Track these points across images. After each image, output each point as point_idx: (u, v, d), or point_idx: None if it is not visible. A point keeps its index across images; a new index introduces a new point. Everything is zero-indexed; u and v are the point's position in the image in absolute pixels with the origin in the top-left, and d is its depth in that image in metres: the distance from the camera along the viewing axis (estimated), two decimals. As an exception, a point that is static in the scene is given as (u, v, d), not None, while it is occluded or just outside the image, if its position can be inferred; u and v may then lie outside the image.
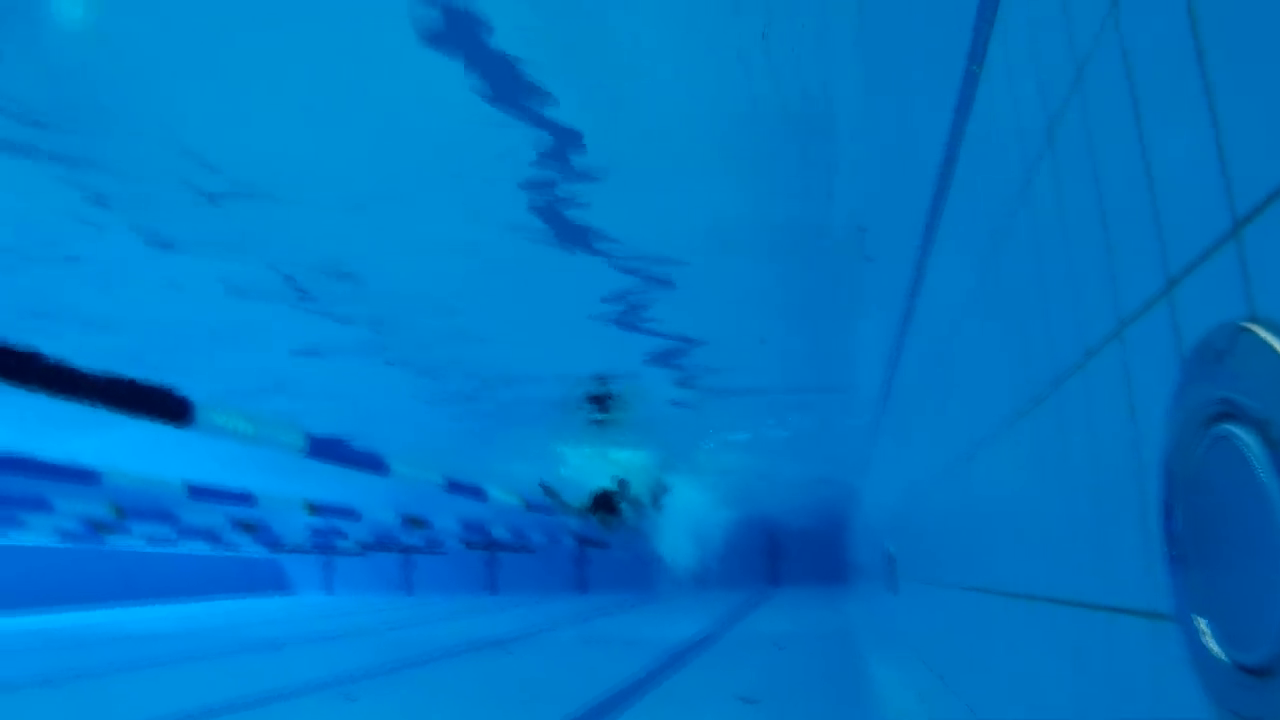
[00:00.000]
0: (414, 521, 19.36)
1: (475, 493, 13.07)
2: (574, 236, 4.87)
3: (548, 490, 10.60)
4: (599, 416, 9.67)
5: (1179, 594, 1.35)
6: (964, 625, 4.23)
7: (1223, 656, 1.19)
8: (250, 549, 26.25)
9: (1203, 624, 1.25)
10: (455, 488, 11.98)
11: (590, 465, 11.96)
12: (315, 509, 16.38)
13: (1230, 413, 1.15)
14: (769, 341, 6.89)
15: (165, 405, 4.77)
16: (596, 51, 3.43)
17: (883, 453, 8.99)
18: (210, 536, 21.84)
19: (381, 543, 25.10)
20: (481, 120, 3.91)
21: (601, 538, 11.89)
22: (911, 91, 3.42)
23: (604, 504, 9.92)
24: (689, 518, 13.25)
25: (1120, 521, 1.68)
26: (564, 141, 3.96)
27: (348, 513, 17.43)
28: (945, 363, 4.09)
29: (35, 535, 19.71)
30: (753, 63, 3.36)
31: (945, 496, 4.44)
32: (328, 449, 5.89)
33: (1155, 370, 1.44)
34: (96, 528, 18.73)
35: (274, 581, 31.83)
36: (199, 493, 13.67)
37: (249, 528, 20.69)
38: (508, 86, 3.56)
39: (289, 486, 14.34)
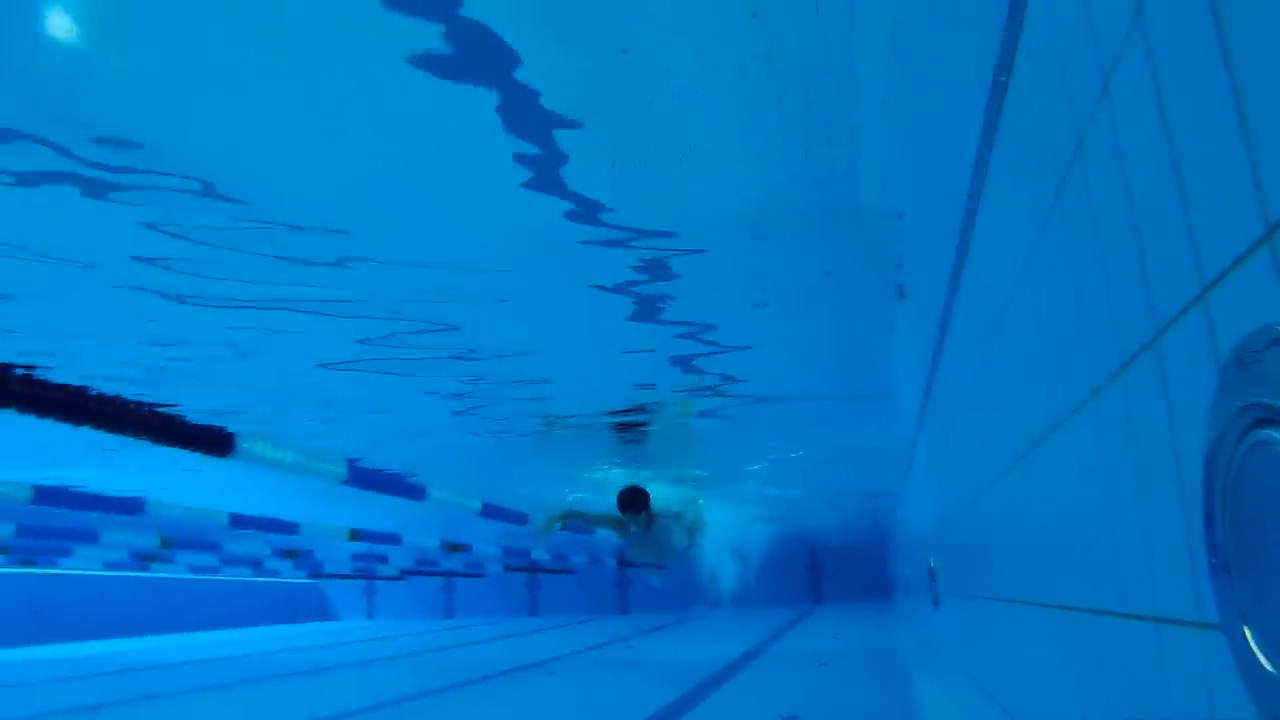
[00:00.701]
0: (454, 546, 19.43)
1: (513, 517, 13.09)
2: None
3: (570, 515, 10.37)
4: (629, 436, 9.60)
5: (1223, 603, 1.33)
6: (1008, 639, 4.19)
7: (1269, 667, 1.18)
8: (292, 575, 26.43)
9: (1250, 634, 1.24)
10: (492, 512, 12.01)
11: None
12: (357, 535, 16.48)
13: (1269, 417, 1.14)
14: (800, 344, 6.81)
15: (208, 438, 4.85)
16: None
17: (922, 465, 8.92)
18: (253, 564, 22.03)
19: (422, 567, 25.18)
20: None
21: (650, 556, 11.14)
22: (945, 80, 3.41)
23: (632, 501, 9.54)
24: (727, 536, 13.17)
25: (1164, 531, 1.67)
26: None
27: (388, 538, 17.51)
28: (982, 376, 4.07)
29: (83, 565, 19.98)
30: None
31: (986, 509, 4.41)
32: (367, 478, 5.95)
33: (1193, 377, 1.43)
34: (142, 557, 18.96)
35: (316, 607, 32.01)
36: (242, 522, 13.81)
37: (291, 555, 20.84)
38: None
39: (331, 514, 14.46)
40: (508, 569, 26.19)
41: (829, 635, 15.74)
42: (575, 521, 10.57)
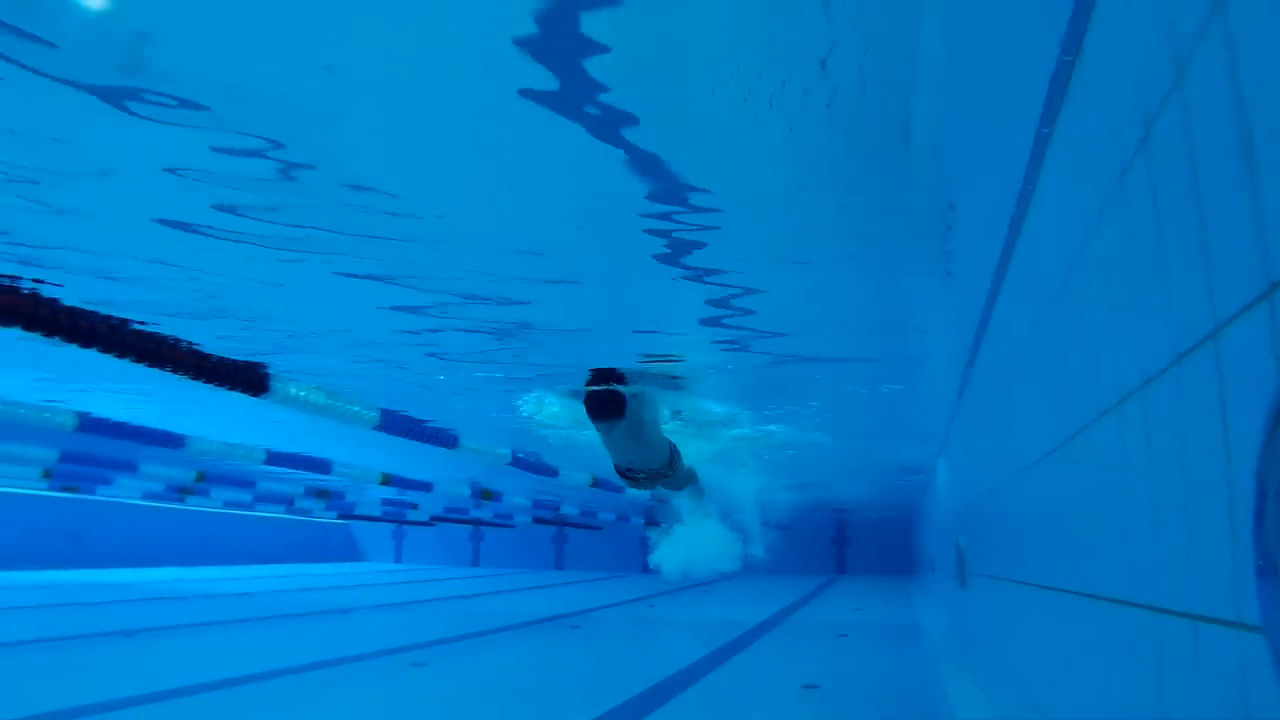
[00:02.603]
0: (485, 494, 19.58)
1: (545, 471, 13.17)
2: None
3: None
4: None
5: (1268, 606, 1.31)
6: (1035, 624, 4.18)
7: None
8: (323, 516, 26.78)
9: (1292, 638, 1.22)
10: (522, 464, 12.09)
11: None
12: (389, 480, 16.65)
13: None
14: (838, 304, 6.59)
15: (243, 377, 4.91)
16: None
17: (957, 443, 8.86)
18: (285, 502, 22.33)
19: (451, 514, 25.43)
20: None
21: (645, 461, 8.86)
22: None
23: (603, 401, 7.67)
24: (752, 501, 13.14)
25: (1208, 529, 1.65)
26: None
27: (420, 484, 17.68)
28: (1027, 358, 4.03)
29: (122, 494, 20.35)
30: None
31: (1021, 491, 4.37)
32: (398, 424, 6.01)
33: (1250, 376, 1.40)
34: (179, 490, 19.27)
35: (345, 548, 32.47)
36: (277, 459, 13.97)
37: (323, 495, 21.11)
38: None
39: (364, 457, 14.59)
40: (536, 521, 26.39)
41: (851, 608, 15.77)
42: None
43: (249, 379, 4.85)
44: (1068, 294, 2.93)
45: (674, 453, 9.05)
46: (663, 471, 8.99)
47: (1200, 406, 1.66)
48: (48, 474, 16.17)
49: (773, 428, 10.62)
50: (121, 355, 4.50)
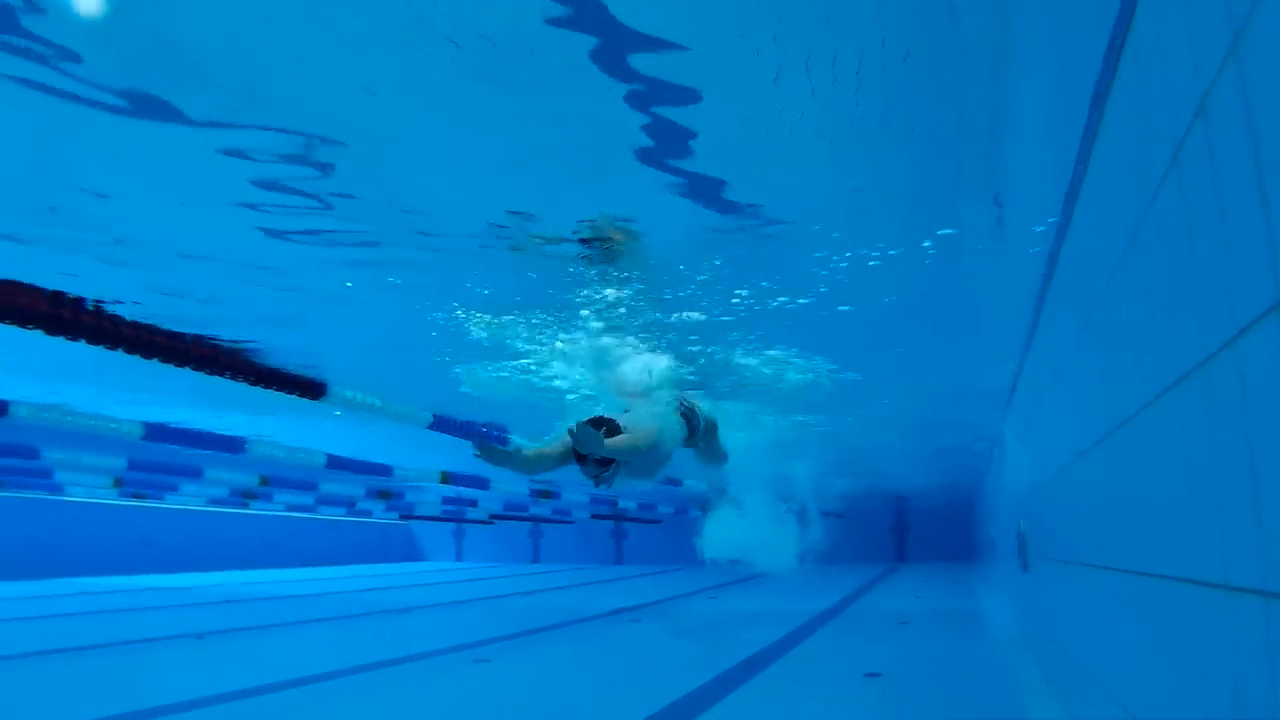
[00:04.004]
0: (543, 493, 19.69)
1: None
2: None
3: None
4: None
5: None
6: (1099, 606, 4.11)
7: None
8: (384, 517, 27.07)
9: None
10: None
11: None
12: (448, 478, 16.79)
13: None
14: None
15: (301, 382, 4.98)
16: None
17: (1017, 423, 8.72)
18: (346, 504, 22.61)
19: (510, 512, 25.58)
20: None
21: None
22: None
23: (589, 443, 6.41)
24: (807, 489, 13.06)
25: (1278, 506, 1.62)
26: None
27: (479, 482, 17.82)
28: (1087, 335, 3.95)
29: (188, 500, 20.76)
30: None
31: (1084, 472, 4.30)
32: (450, 424, 6.07)
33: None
34: (243, 495, 19.60)
35: (406, 548, 32.82)
36: (338, 463, 14.16)
37: (384, 496, 21.33)
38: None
39: (424, 458, 14.75)
40: (594, 517, 26.47)
41: (912, 595, 15.65)
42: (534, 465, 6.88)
43: (307, 385, 4.93)
44: (1129, 262, 2.86)
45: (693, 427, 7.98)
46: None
47: (1265, 381, 1.63)
48: (118, 482, 16.55)
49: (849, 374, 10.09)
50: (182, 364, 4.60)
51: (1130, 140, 2.73)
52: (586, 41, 3.61)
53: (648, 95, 4.05)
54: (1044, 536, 6.77)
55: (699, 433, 7.98)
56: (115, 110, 4.16)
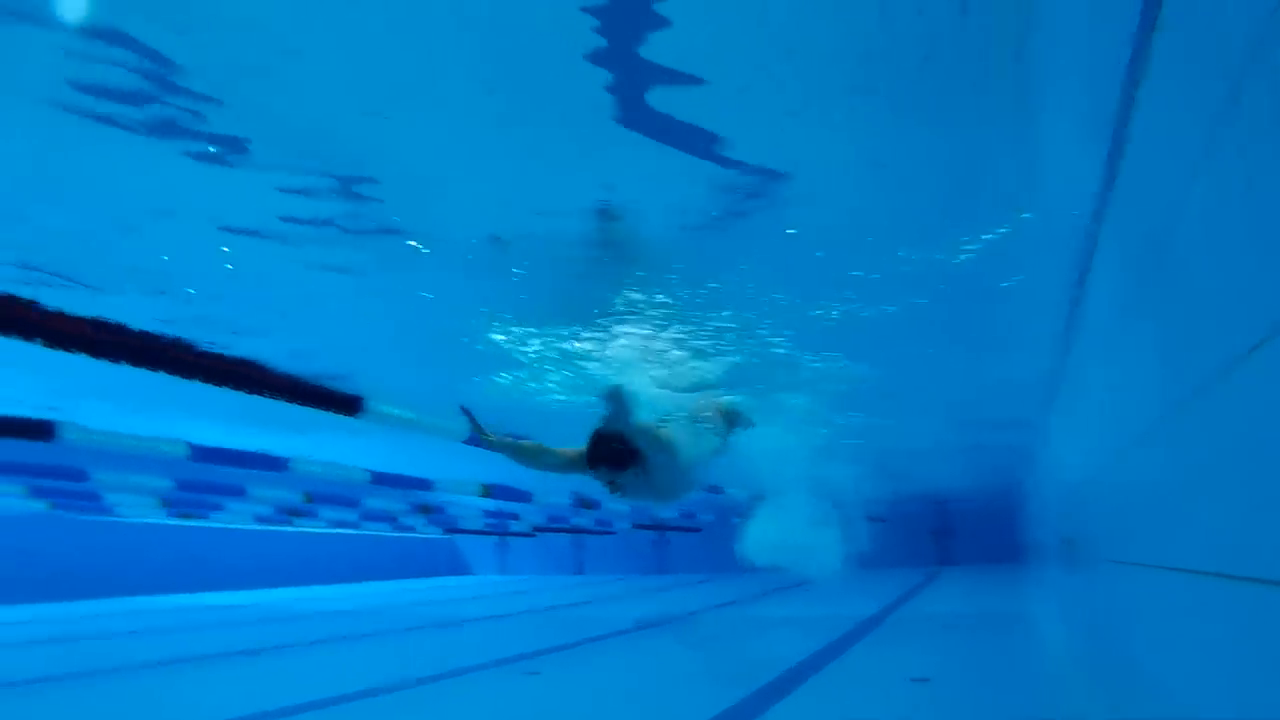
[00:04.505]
0: (585, 503, 19.74)
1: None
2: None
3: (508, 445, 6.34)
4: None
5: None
6: (1155, 606, 4.02)
7: None
8: (427, 531, 27.25)
9: None
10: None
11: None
12: (489, 491, 16.88)
13: None
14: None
15: (338, 398, 5.04)
16: None
17: (1061, 415, 8.54)
18: (390, 520, 22.79)
19: (553, 524, 25.67)
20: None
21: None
22: None
23: (609, 458, 5.93)
24: (846, 493, 12.95)
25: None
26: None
27: (521, 495, 17.89)
28: (1134, 312, 3.78)
29: (234, 519, 21.03)
30: None
31: (1135, 465, 4.16)
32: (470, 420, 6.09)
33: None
34: (287, 512, 19.82)
35: (450, 562, 32.98)
36: (382, 480, 14.28)
37: (427, 510, 21.48)
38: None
39: (464, 470, 14.83)
40: (636, 527, 26.48)
41: (957, 598, 15.49)
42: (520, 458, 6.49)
43: (343, 401, 4.98)
44: (1194, 216, 2.67)
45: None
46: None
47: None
48: (165, 503, 16.80)
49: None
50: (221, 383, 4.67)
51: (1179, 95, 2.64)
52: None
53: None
54: (1093, 535, 6.66)
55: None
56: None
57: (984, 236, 6.14)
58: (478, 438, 6.20)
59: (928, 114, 4.53)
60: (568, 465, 6.32)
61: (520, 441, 6.37)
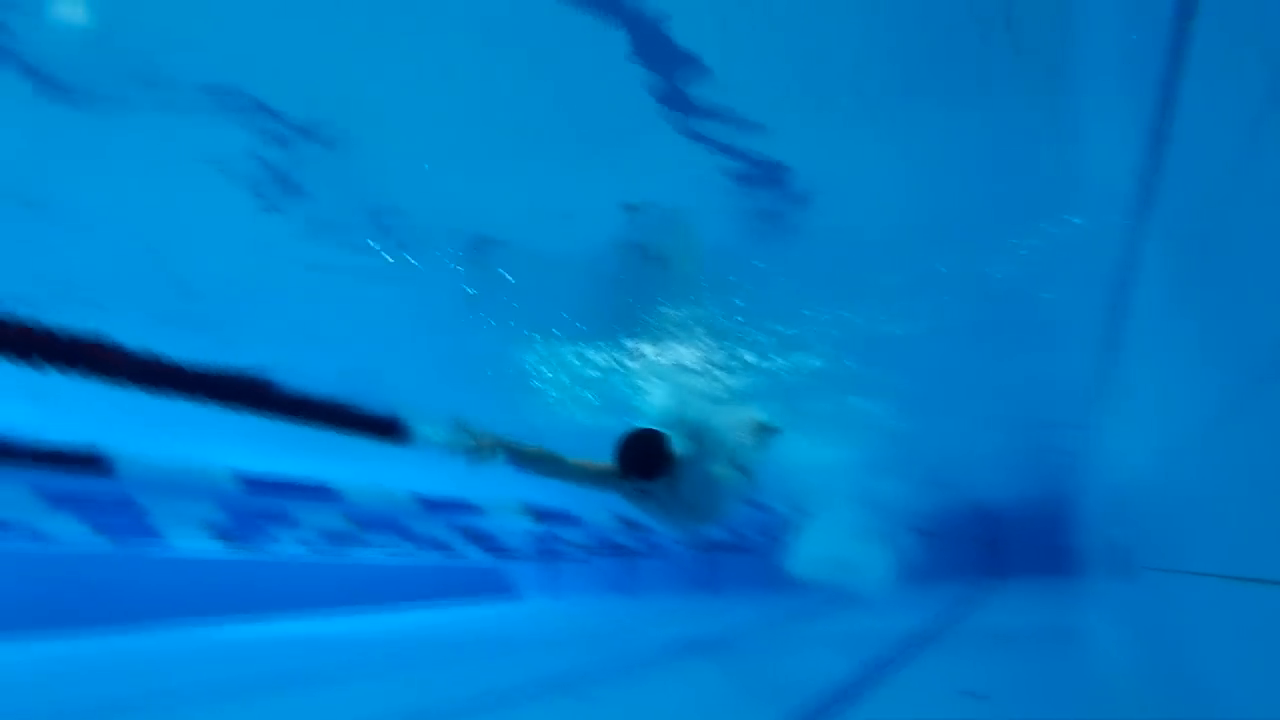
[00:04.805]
0: (633, 525, 19.72)
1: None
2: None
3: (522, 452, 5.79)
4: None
5: None
6: (1215, 617, 3.92)
7: None
8: (477, 556, 27.34)
9: None
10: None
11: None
12: (538, 516, 16.94)
13: None
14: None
15: (383, 425, 5.07)
16: None
17: (1110, 419, 8.36)
18: (439, 546, 22.92)
19: (603, 547, 25.67)
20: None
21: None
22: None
23: (643, 464, 5.51)
24: (896, 510, 12.85)
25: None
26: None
27: (569, 518, 17.92)
28: (1192, 294, 3.59)
29: (282, 548, 21.25)
30: None
31: (1195, 466, 4.02)
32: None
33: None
34: (337, 540, 20.01)
35: (500, 587, 33.03)
36: (429, 505, 14.38)
37: (475, 536, 21.57)
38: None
39: (511, 494, 14.90)
40: (685, 546, 26.40)
41: (1009, 611, 15.27)
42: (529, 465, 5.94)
43: (387, 427, 5.01)
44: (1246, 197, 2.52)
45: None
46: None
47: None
48: (215, 531, 17.04)
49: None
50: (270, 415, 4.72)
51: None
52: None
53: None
54: (1147, 543, 6.53)
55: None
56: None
57: (1026, 239, 6.07)
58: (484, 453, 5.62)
59: (969, 113, 4.49)
60: (592, 477, 5.95)
61: (535, 449, 5.92)
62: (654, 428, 5.78)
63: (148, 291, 6.01)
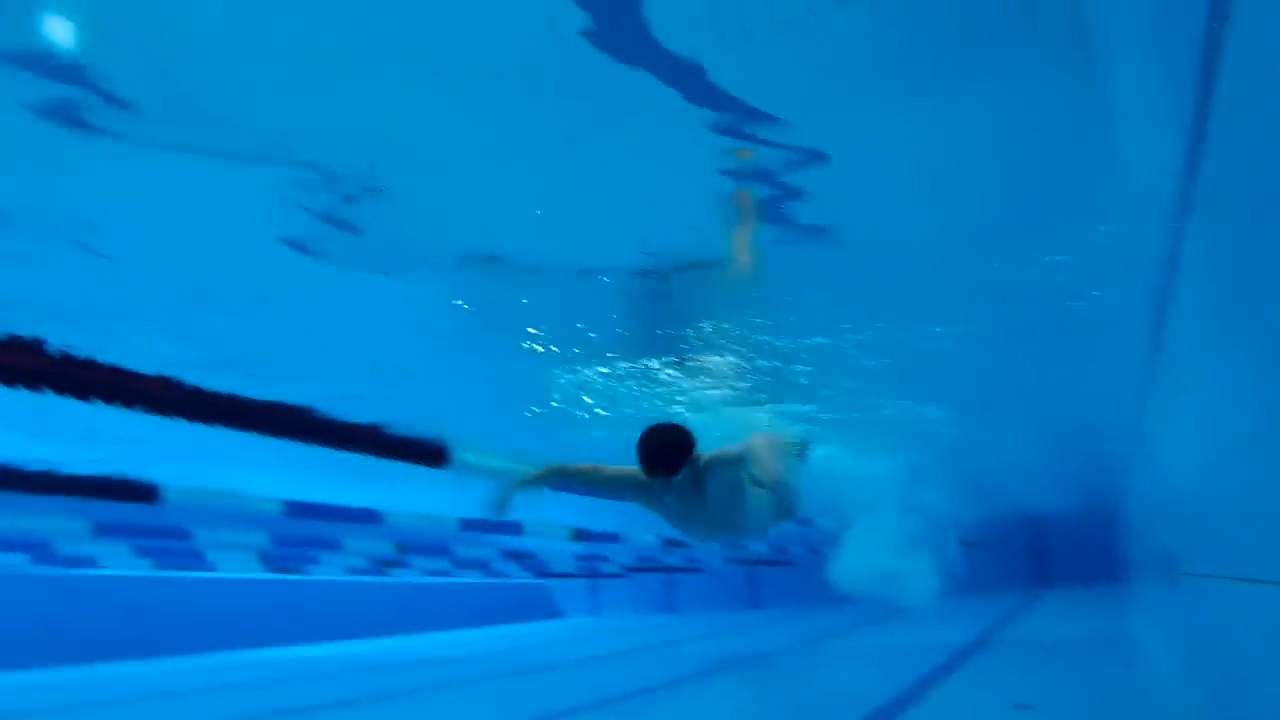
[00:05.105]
0: (674, 542, 19.71)
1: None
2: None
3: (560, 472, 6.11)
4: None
5: None
6: (1264, 623, 3.87)
7: None
8: (519, 576, 27.41)
9: None
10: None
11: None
12: (579, 535, 16.96)
13: None
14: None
15: (423, 450, 5.14)
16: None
17: (1157, 424, 8.22)
18: (482, 566, 23.02)
19: (644, 564, 25.65)
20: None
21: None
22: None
23: (663, 457, 5.32)
24: (940, 521, 12.73)
25: None
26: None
27: (610, 537, 17.94)
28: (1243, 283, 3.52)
29: (328, 571, 21.44)
30: None
31: (1245, 471, 3.94)
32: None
33: None
34: (381, 563, 20.16)
35: (543, 606, 33.07)
36: (471, 526, 14.45)
37: (517, 556, 21.64)
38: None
39: (553, 515, 14.92)
40: (728, 562, 26.32)
41: (1057, 621, 15.11)
42: (571, 482, 6.22)
43: (429, 452, 5.09)
44: None
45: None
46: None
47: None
48: (263, 557, 17.23)
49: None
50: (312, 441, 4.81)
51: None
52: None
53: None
54: (1197, 550, 6.44)
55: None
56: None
57: (1067, 245, 6.05)
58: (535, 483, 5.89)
59: (1006, 117, 4.47)
60: (620, 482, 5.93)
61: (569, 466, 6.08)
62: (673, 422, 5.67)
63: (196, 328, 6.16)
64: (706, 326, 7.01)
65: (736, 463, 5.81)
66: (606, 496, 5.97)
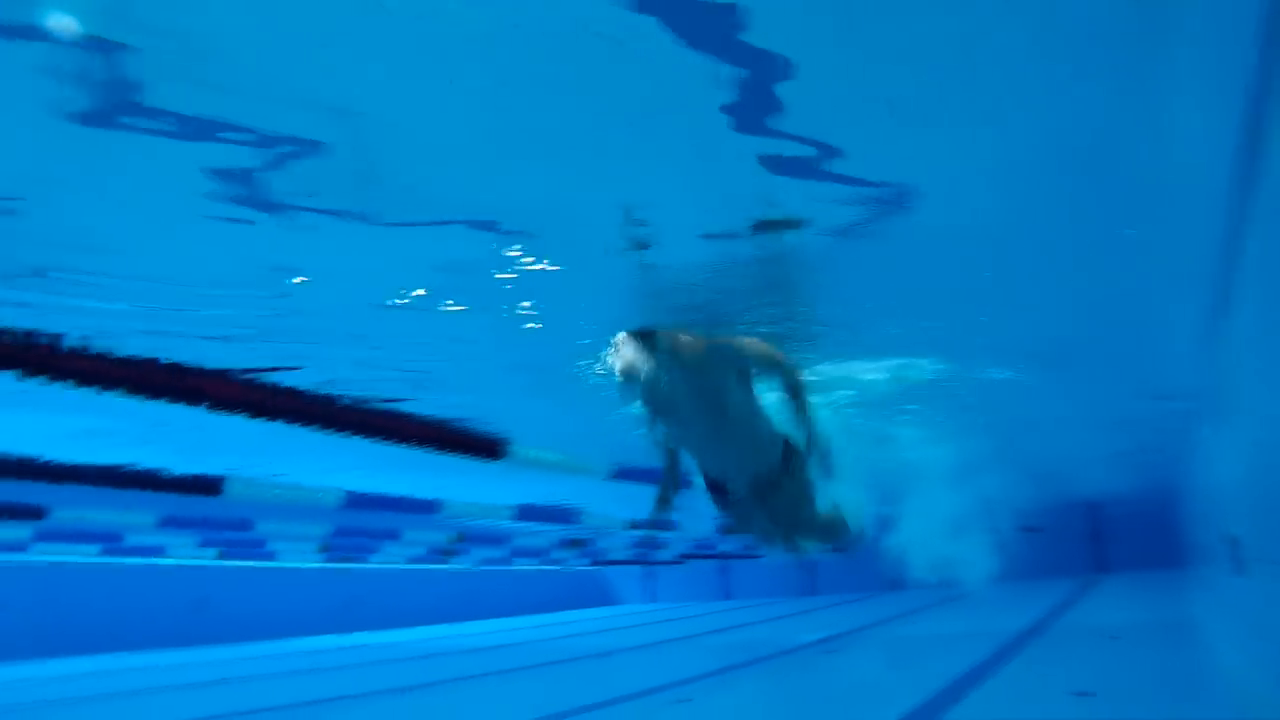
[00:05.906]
0: (729, 529, 19.75)
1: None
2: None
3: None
4: None
5: None
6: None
7: None
8: (576, 564, 27.60)
9: None
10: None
11: None
12: (635, 524, 17.04)
13: None
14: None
15: (481, 444, 5.24)
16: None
17: (1220, 407, 8.10)
18: (539, 554, 23.22)
19: (699, 551, 25.71)
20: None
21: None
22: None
23: None
24: (997, 506, 12.66)
25: None
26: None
27: (666, 523, 18.02)
28: None
29: (389, 560, 21.76)
30: None
31: None
32: (627, 473, 6.20)
33: None
34: (440, 552, 20.42)
35: (599, 593, 33.28)
36: (529, 515, 14.59)
37: (574, 544, 21.80)
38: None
39: (610, 505, 15.01)
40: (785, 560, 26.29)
41: (1118, 607, 14.95)
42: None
43: (487, 446, 5.19)
44: None
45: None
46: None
47: None
48: (324, 548, 17.53)
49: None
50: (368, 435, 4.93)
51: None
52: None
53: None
54: (1265, 535, 6.34)
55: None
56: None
57: (1125, 233, 5.99)
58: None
59: (1062, 102, 4.42)
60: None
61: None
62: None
63: (270, 331, 6.34)
64: (765, 321, 7.03)
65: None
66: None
